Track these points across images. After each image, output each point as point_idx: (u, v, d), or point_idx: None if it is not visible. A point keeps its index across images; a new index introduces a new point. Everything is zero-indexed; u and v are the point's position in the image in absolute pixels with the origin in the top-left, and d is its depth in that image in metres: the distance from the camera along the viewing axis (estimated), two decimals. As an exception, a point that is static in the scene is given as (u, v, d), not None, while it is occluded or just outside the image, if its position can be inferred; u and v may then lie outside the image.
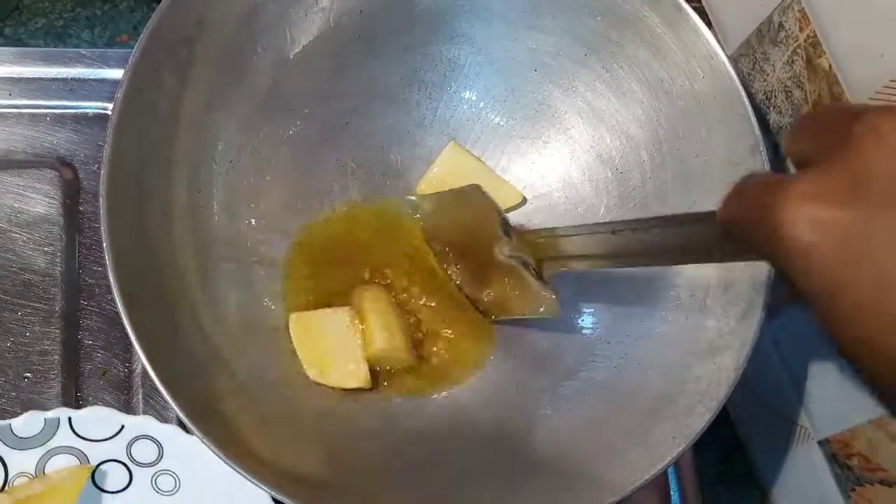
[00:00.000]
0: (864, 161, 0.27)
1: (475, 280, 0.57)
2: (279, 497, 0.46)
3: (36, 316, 0.57)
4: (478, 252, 0.56)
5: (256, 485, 0.45)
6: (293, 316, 0.56)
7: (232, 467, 0.45)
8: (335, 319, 0.56)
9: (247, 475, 0.45)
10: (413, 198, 0.61)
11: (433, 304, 0.58)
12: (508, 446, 0.54)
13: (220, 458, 0.45)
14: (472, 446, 0.54)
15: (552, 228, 0.53)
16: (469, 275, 0.58)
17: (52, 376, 0.56)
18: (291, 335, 0.56)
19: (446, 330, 0.58)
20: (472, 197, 0.58)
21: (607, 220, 0.58)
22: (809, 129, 0.32)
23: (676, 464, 0.58)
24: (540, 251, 0.53)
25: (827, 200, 0.27)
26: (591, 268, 0.51)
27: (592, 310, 0.58)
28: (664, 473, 0.57)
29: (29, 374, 0.56)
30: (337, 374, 0.55)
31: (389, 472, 0.52)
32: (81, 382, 0.57)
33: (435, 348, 0.57)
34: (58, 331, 0.57)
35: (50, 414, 0.50)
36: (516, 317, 0.56)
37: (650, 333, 0.55)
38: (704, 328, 0.53)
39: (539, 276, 0.53)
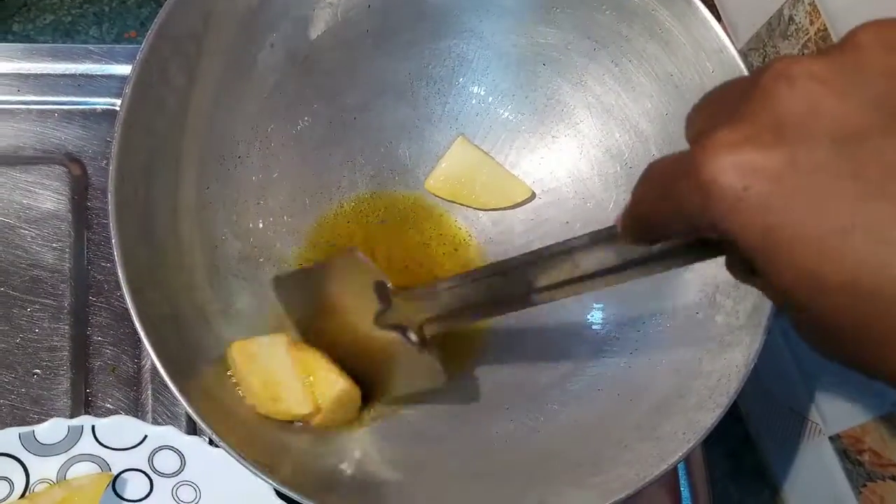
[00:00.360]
0: (779, 104, 0.27)
1: (357, 361, 0.52)
2: (292, 495, 0.46)
3: (45, 312, 0.57)
4: (354, 328, 0.51)
5: (267, 481, 0.45)
6: (235, 346, 0.52)
7: (242, 464, 0.45)
8: (274, 344, 0.52)
9: (257, 472, 0.45)
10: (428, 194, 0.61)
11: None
12: (515, 445, 0.54)
13: (229, 454, 0.45)
14: (478, 446, 0.54)
15: (433, 284, 0.48)
16: (350, 357, 0.52)
17: (62, 373, 0.56)
18: (234, 368, 0.51)
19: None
20: (340, 267, 0.53)
21: (598, 222, 0.58)
22: (710, 102, 0.32)
23: (687, 459, 0.58)
24: (423, 311, 0.48)
25: (750, 145, 0.27)
26: (483, 318, 0.48)
27: (602, 305, 0.57)
28: (674, 469, 0.57)
29: (38, 371, 0.56)
30: (290, 400, 0.51)
31: (392, 472, 0.52)
32: (90, 379, 0.57)
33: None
34: (67, 327, 0.57)
35: (74, 421, 0.50)
36: (404, 393, 0.53)
37: (659, 329, 0.55)
38: (714, 323, 0.53)
39: (422, 342, 0.49)
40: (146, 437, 0.51)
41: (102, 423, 0.51)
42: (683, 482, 0.59)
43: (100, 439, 0.51)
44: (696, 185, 0.28)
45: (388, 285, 0.49)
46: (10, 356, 0.56)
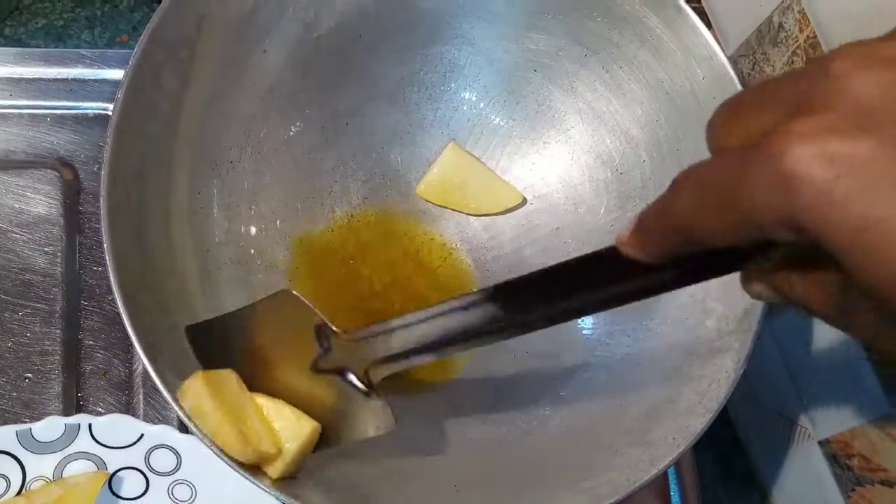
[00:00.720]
0: (855, 91, 0.26)
1: (302, 407, 0.47)
2: (284, 499, 0.46)
3: (36, 316, 0.57)
4: (291, 376, 0.47)
5: (256, 485, 0.45)
6: (188, 385, 0.45)
7: (232, 467, 0.45)
8: (228, 379, 0.47)
9: (246, 476, 0.45)
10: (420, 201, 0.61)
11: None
12: (507, 449, 0.54)
13: (219, 458, 0.45)
14: (470, 450, 0.54)
15: (385, 323, 0.44)
16: (294, 402, 0.47)
17: (53, 377, 0.56)
18: (195, 411, 0.45)
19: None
20: (270, 310, 0.48)
21: (589, 228, 0.59)
22: (753, 101, 0.30)
23: (677, 464, 0.58)
24: (372, 353, 0.45)
25: (832, 134, 0.25)
26: (438, 357, 0.43)
27: (592, 311, 0.58)
28: (664, 474, 0.57)
29: (30, 375, 0.56)
30: (260, 436, 0.46)
31: (383, 478, 0.52)
32: (82, 383, 0.57)
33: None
34: (58, 331, 0.57)
35: (70, 420, 0.51)
36: (352, 441, 0.47)
37: (650, 334, 0.55)
38: (705, 328, 0.53)
39: (368, 386, 0.45)
40: (142, 435, 0.51)
41: (99, 422, 0.51)
42: (673, 487, 0.59)
43: (96, 437, 0.51)
44: (775, 180, 0.26)
45: (332, 327, 0.46)
46: (2, 360, 0.56)
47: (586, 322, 0.58)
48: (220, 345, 0.49)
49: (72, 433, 0.50)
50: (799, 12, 0.54)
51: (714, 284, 0.53)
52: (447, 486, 0.51)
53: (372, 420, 0.46)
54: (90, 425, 0.51)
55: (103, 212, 0.47)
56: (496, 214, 0.61)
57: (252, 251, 0.57)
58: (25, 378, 0.56)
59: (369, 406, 0.46)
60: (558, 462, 0.52)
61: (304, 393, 0.47)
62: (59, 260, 0.58)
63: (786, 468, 0.64)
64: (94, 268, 0.59)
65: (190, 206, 0.54)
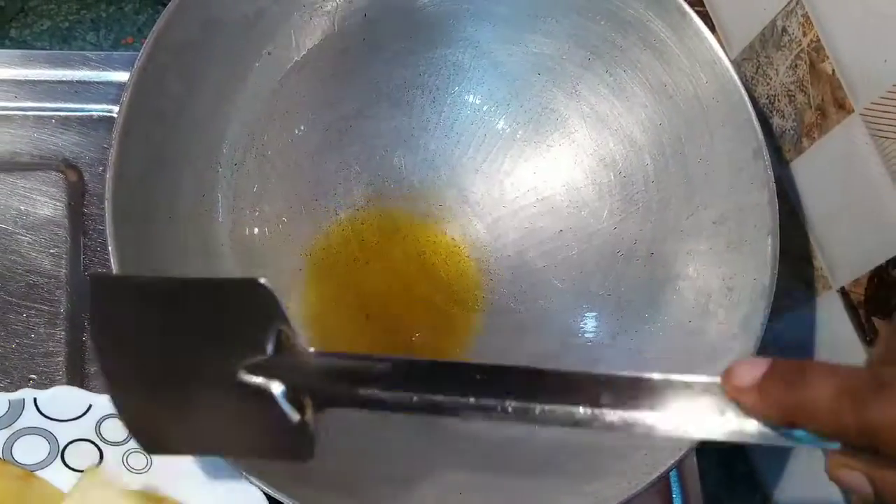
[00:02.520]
0: None
1: (207, 413, 0.41)
2: (257, 482, 0.46)
3: (41, 318, 0.57)
4: (222, 367, 0.39)
5: (257, 486, 0.45)
6: None
7: (236, 468, 0.45)
8: None
9: (249, 476, 0.45)
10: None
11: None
12: (509, 453, 0.54)
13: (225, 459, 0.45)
14: (473, 454, 0.54)
15: (353, 358, 0.39)
16: (197, 408, 0.41)
17: (58, 378, 0.56)
18: None
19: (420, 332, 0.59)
20: (226, 293, 0.41)
21: (592, 230, 0.59)
22: None
23: (679, 467, 0.58)
24: (317, 381, 0.38)
25: None
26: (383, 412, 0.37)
27: (595, 313, 0.58)
28: (666, 477, 0.57)
29: (34, 376, 0.56)
30: None
31: (389, 483, 0.52)
32: (86, 384, 0.57)
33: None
34: (63, 333, 0.57)
35: (14, 395, 0.49)
36: (257, 460, 0.44)
37: (653, 336, 0.55)
38: (707, 332, 0.53)
39: (300, 409, 0.38)
40: (91, 406, 0.50)
41: (44, 395, 0.50)
42: (676, 490, 0.59)
43: (43, 411, 0.50)
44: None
45: (293, 339, 0.39)
46: (6, 361, 0.56)
47: (588, 325, 0.58)
48: (138, 315, 0.41)
49: (17, 409, 0.49)
50: (802, 16, 0.54)
51: (717, 289, 0.53)
52: (451, 489, 0.51)
53: (288, 445, 0.39)
54: (35, 399, 0.49)
55: (108, 214, 0.47)
56: None
57: (256, 254, 0.57)
58: (30, 379, 0.56)
59: (289, 430, 0.38)
60: (561, 465, 0.52)
61: (223, 392, 0.39)
62: (63, 262, 0.58)
63: (788, 471, 0.64)
64: (99, 269, 0.59)
65: (194, 209, 0.54)
